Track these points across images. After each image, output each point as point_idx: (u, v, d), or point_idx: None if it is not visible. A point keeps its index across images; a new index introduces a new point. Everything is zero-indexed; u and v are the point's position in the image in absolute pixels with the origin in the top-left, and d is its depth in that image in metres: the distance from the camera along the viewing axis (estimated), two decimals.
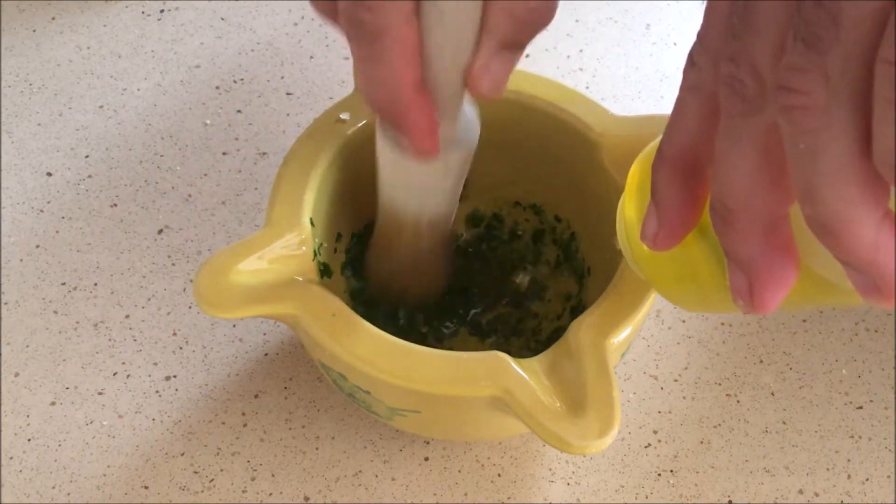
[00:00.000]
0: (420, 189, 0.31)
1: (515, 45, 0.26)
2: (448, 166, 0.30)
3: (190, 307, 0.40)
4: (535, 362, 0.28)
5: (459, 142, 0.30)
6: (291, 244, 0.30)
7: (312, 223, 0.31)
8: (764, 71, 0.17)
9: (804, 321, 0.41)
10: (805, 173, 0.16)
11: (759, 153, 0.18)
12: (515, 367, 0.27)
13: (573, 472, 0.36)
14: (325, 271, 0.34)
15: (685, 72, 0.20)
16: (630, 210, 0.25)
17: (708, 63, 0.20)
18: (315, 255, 0.31)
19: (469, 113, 0.30)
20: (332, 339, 0.28)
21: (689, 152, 0.21)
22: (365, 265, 0.38)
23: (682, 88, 0.21)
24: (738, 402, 0.38)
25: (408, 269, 0.36)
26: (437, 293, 0.38)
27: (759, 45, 0.17)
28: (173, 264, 0.42)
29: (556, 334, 0.32)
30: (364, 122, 0.34)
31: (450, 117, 0.29)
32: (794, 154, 0.17)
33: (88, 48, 0.51)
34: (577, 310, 0.37)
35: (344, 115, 0.34)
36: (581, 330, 0.28)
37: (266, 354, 0.39)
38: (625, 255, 0.27)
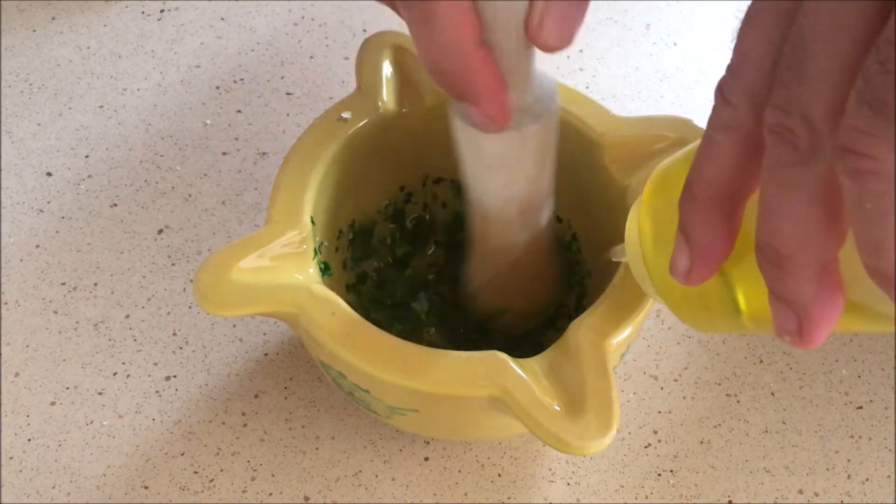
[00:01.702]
0: (500, 168, 0.29)
1: None
2: (525, 139, 0.28)
3: (190, 307, 0.40)
4: (535, 362, 0.28)
5: (535, 112, 0.28)
6: (292, 242, 0.30)
7: (313, 221, 0.31)
8: (818, 124, 0.17)
9: None
10: (871, 230, 0.17)
11: (812, 202, 0.18)
12: (514, 367, 0.27)
13: (573, 472, 0.36)
14: (325, 269, 0.34)
15: (716, 108, 0.20)
16: (646, 225, 0.25)
17: (744, 102, 0.19)
18: (315, 253, 0.31)
19: (544, 81, 0.28)
20: (331, 337, 0.28)
21: (722, 190, 0.21)
22: (466, 277, 0.36)
23: (715, 126, 0.20)
24: (738, 402, 0.38)
25: (506, 270, 0.34)
26: (546, 304, 0.36)
27: (813, 98, 0.17)
28: (173, 264, 0.42)
29: (556, 334, 0.32)
30: (365, 121, 0.34)
31: (520, 83, 0.27)
32: (858, 212, 0.17)
33: (88, 48, 0.51)
34: (577, 310, 0.37)
35: (345, 115, 0.34)
36: (580, 330, 0.28)
37: (266, 354, 0.39)
38: (633, 269, 0.26)
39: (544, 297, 0.36)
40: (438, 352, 0.28)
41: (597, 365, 0.27)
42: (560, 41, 0.25)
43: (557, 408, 0.26)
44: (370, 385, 0.29)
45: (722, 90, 0.20)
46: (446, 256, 0.40)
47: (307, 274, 0.30)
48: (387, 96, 0.35)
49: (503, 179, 0.30)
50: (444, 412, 0.30)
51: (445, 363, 0.28)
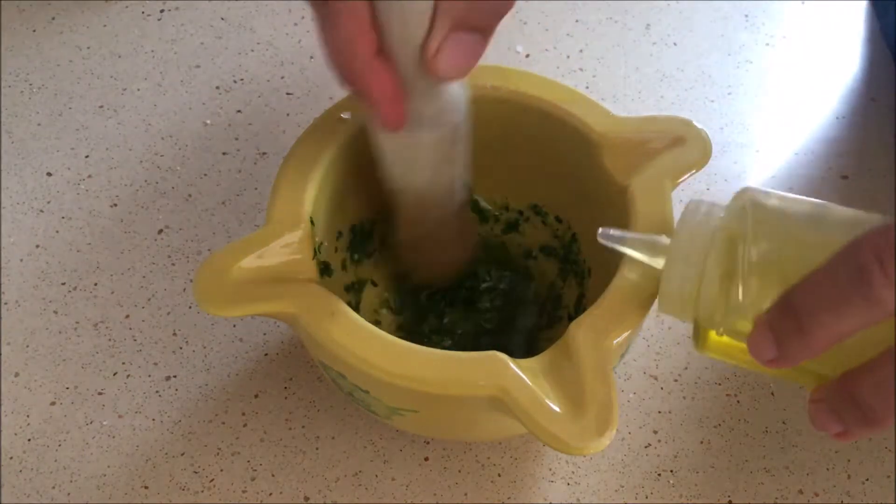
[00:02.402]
0: (396, 164, 0.32)
1: (472, 27, 0.25)
2: (418, 146, 0.30)
3: (190, 307, 0.40)
4: (534, 362, 0.28)
5: (435, 122, 0.30)
6: (292, 243, 0.30)
7: (312, 222, 0.31)
8: None
9: None
10: None
11: None
12: (514, 367, 0.27)
13: (573, 472, 0.36)
14: (325, 270, 0.34)
15: (868, 277, 0.22)
16: (713, 289, 0.26)
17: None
18: (315, 253, 0.31)
19: (454, 93, 0.30)
20: (331, 338, 0.28)
21: (833, 333, 0.23)
22: (394, 247, 0.38)
23: (860, 295, 0.22)
24: (738, 402, 0.38)
25: (429, 237, 0.36)
26: (465, 260, 0.38)
27: None
28: (173, 264, 0.42)
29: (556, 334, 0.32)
30: (365, 121, 0.34)
31: (421, 93, 0.28)
32: None
33: (88, 48, 0.51)
34: (577, 310, 0.37)
35: (345, 115, 0.34)
36: (580, 330, 0.28)
37: (266, 354, 0.39)
38: (675, 311, 0.28)
39: (455, 259, 0.38)
40: (438, 352, 0.28)
41: (596, 365, 0.27)
42: (455, 73, 0.26)
43: (557, 408, 0.26)
44: (370, 385, 0.29)
45: (873, 276, 0.22)
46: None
47: (307, 274, 0.30)
48: None
49: (399, 173, 0.32)
50: (443, 412, 0.30)
51: (445, 364, 0.28)
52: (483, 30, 0.25)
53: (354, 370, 0.28)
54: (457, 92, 0.30)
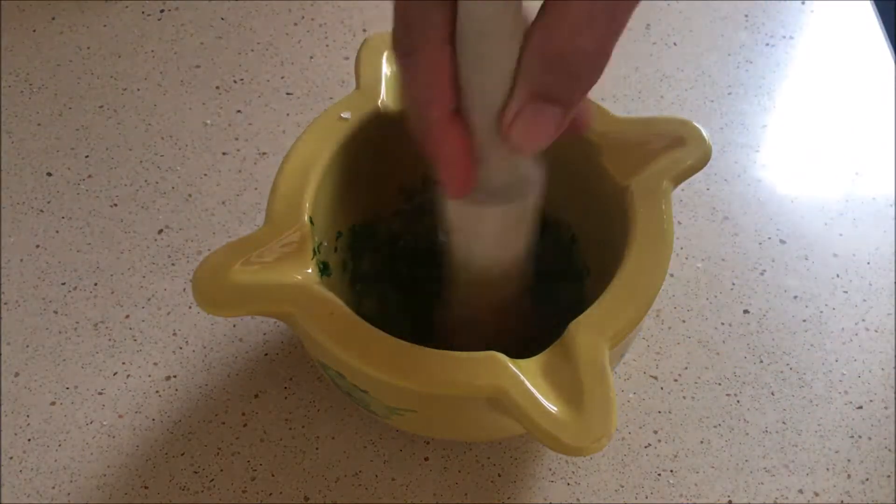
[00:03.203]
0: (458, 232, 0.30)
1: (553, 98, 0.23)
2: (482, 217, 0.28)
3: (190, 307, 0.40)
4: (533, 363, 0.28)
5: (504, 194, 0.28)
6: (290, 242, 0.30)
7: (312, 221, 0.31)
8: None
9: (804, 321, 0.41)
10: None
11: None
12: (512, 367, 0.27)
13: (573, 472, 0.36)
14: (324, 270, 0.34)
15: None
16: None
17: None
18: (314, 253, 0.31)
19: (530, 168, 0.28)
20: (329, 338, 0.28)
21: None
22: (443, 310, 0.36)
23: None
24: (738, 401, 0.38)
25: (483, 318, 0.34)
26: (510, 342, 0.36)
27: None
28: (173, 264, 0.42)
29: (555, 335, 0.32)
30: (365, 120, 0.34)
31: (494, 162, 0.27)
32: None
33: (88, 48, 0.51)
34: (577, 311, 0.37)
35: (345, 115, 0.34)
36: (579, 331, 0.28)
37: (266, 354, 0.39)
38: None
39: (507, 338, 0.36)
40: (436, 352, 0.28)
41: (595, 365, 0.27)
42: (530, 145, 0.24)
43: (555, 409, 0.26)
44: (368, 385, 0.29)
45: None
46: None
47: (306, 274, 0.30)
48: (386, 96, 0.35)
49: (460, 242, 0.31)
50: (442, 412, 0.30)
51: (443, 363, 0.28)
52: (565, 103, 0.23)
53: (352, 370, 0.28)
54: (531, 167, 0.28)
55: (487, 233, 0.30)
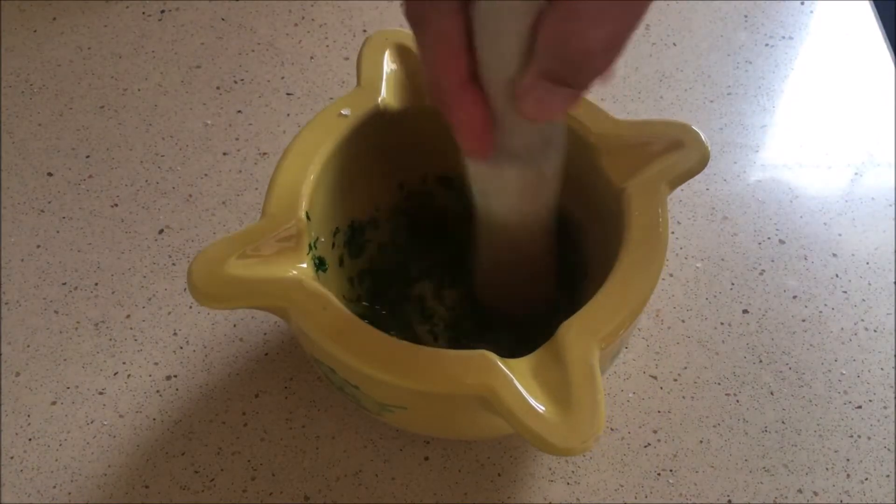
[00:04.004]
0: (482, 193, 0.31)
1: (563, 81, 0.24)
2: (503, 178, 0.29)
3: (191, 307, 0.40)
4: (524, 362, 0.28)
5: (523, 157, 0.29)
6: (286, 237, 0.30)
7: (308, 217, 0.31)
8: None
9: (803, 321, 0.41)
10: None
11: None
12: (502, 366, 0.27)
13: (573, 472, 0.36)
14: (320, 265, 0.34)
15: None
16: None
17: None
18: (310, 249, 0.31)
19: (546, 129, 0.29)
20: (321, 333, 0.28)
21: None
22: (473, 272, 0.37)
23: None
24: (738, 401, 0.38)
25: (508, 270, 0.35)
26: (541, 298, 0.37)
27: None
28: (174, 264, 0.42)
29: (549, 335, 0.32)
30: (365, 117, 0.34)
31: (508, 125, 0.27)
32: None
33: (89, 48, 0.51)
34: (571, 311, 0.37)
35: (345, 111, 0.34)
36: (570, 332, 0.28)
37: (266, 354, 0.39)
38: None
39: (536, 296, 0.37)
40: (428, 350, 0.28)
41: (585, 366, 0.27)
42: (539, 116, 0.25)
43: (543, 408, 0.26)
44: (359, 381, 0.29)
45: None
46: (444, 255, 0.40)
47: (301, 269, 0.30)
48: (387, 94, 0.35)
49: (484, 201, 0.32)
50: (432, 410, 0.30)
51: (434, 361, 0.28)
52: (575, 87, 0.24)
53: (343, 365, 0.28)
54: (553, 129, 0.29)
55: (508, 191, 0.30)
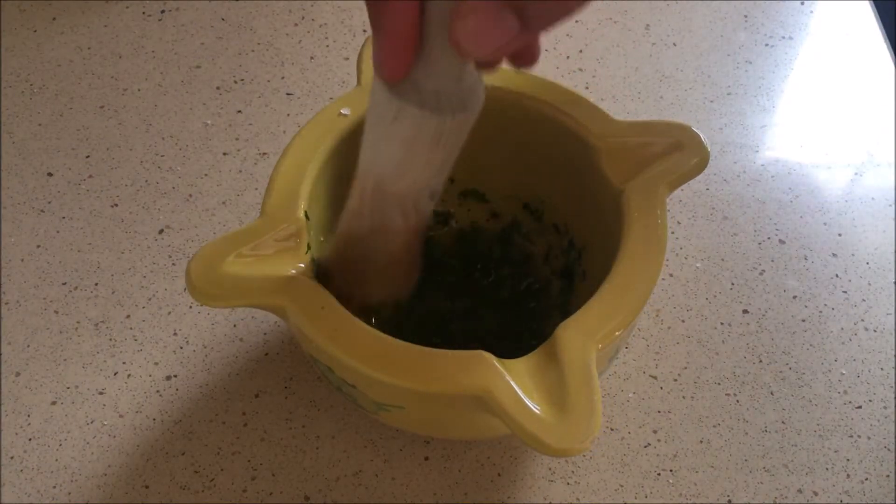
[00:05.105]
0: (372, 128, 0.27)
1: (521, 9, 0.21)
2: (399, 115, 0.26)
3: (191, 307, 0.40)
4: (521, 363, 0.28)
5: (433, 104, 0.25)
6: (285, 236, 0.30)
7: (307, 216, 0.31)
8: None
9: (803, 321, 0.41)
10: None
11: None
12: (499, 367, 0.27)
13: (573, 472, 0.36)
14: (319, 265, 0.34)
15: None
16: None
17: None
18: (309, 248, 0.31)
19: (466, 82, 0.26)
20: (319, 332, 0.28)
21: None
22: (327, 257, 0.33)
23: None
24: (738, 401, 0.38)
25: (372, 244, 0.31)
26: (409, 288, 0.35)
27: None
28: (174, 264, 0.42)
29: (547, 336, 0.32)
30: (364, 117, 0.34)
31: (430, 59, 0.24)
32: None
33: (89, 48, 0.51)
34: (570, 313, 0.37)
35: (345, 111, 0.34)
36: (567, 333, 0.28)
37: (266, 354, 0.39)
38: None
39: (388, 284, 0.34)
40: (424, 350, 0.28)
41: (581, 367, 0.27)
42: (472, 47, 0.22)
43: (539, 409, 0.26)
44: (356, 380, 0.29)
45: None
46: (442, 254, 0.40)
47: (299, 268, 0.30)
48: None
49: (370, 143, 0.28)
50: (428, 410, 0.30)
51: (431, 361, 0.28)
52: (528, 24, 0.22)
53: (340, 364, 0.28)
54: (472, 90, 0.26)
55: (398, 136, 0.26)
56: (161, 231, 0.43)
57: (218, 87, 0.50)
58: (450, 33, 0.22)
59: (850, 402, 0.38)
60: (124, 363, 0.39)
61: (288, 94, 0.49)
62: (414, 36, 0.24)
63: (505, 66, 0.26)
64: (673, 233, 0.44)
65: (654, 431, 0.37)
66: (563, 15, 0.22)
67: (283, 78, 0.50)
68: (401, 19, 0.24)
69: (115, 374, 0.38)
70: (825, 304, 0.41)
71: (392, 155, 0.27)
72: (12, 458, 0.36)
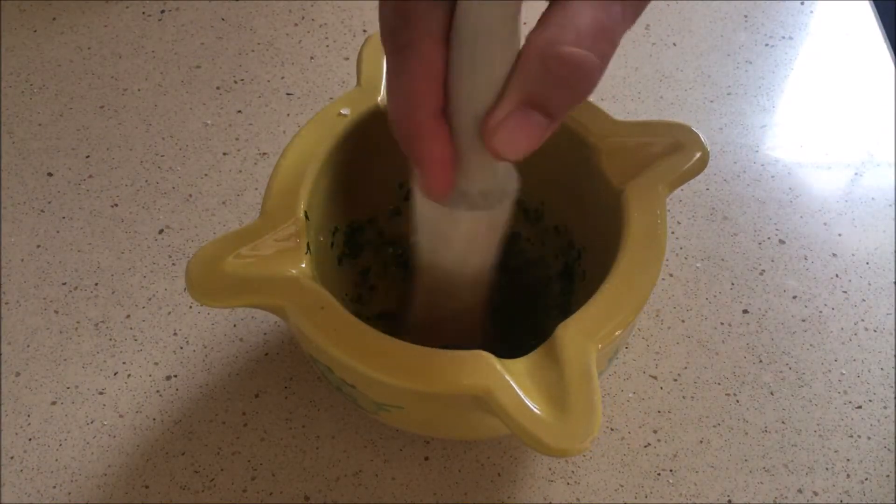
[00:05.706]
0: (429, 235, 0.30)
1: (544, 106, 0.23)
2: (455, 221, 0.28)
3: (191, 307, 0.40)
4: (521, 363, 0.28)
5: (477, 203, 0.28)
6: (285, 236, 0.30)
7: (307, 216, 0.31)
8: None
9: (803, 321, 0.41)
10: None
11: None
12: (499, 366, 0.27)
13: (573, 472, 0.36)
14: (318, 265, 0.34)
15: None
16: None
17: None
18: (309, 248, 0.31)
19: (507, 179, 0.28)
20: (318, 332, 0.28)
21: None
22: (404, 316, 0.36)
23: None
24: (738, 401, 0.38)
25: (444, 323, 0.34)
26: (474, 339, 0.36)
27: None
28: (174, 264, 0.42)
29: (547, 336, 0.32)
30: (364, 116, 0.34)
31: (472, 169, 0.27)
32: None
33: (89, 48, 0.51)
34: (570, 313, 0.37)
35: (344, 111, 0.34)
36: (567, 333, 0.28)
37: (266, 354, 0.39)
38: None
39: (462, 339, 0.36)
40: (424, 350, 0.28)
41: (581, 368, 0.27)
42: (511, 153, 0.24)
43: (539, 410, 0.26)
44: (355, 380, 0.29)
45: None
46: None
47: (299, 268, 0.30)
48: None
49: (429, 246, 0.31)
50: (428, 410, 0.30)
51: (430, 361, 0.28)
52: (553, 114, 0.23)
53: (340, 364, 0.28)
54: (508, 177, 0.29)
55: (458, 237, 0.29)
56: (161, 231, 0.43)
57: (218, 87, 0.50)
58: (486, 146, 0.24)
59: (850, 402, 0.38)
60: (124, 363, 0.39)
61: (288, 94, 0.49)
62: (452, 157, 0.25)
63: None
64: (673, 233, 0.44)
65: (654, 431, 0.37)
66: (584, 96, 0.23)
67: (283, 78, 0.50)
68: (437, 147, 0.25)
69: (115, 374, 0.38)
70: (825, 304, 0.41)
71: (456, 252, 0.30)
72: (12, 458, 0.36)
